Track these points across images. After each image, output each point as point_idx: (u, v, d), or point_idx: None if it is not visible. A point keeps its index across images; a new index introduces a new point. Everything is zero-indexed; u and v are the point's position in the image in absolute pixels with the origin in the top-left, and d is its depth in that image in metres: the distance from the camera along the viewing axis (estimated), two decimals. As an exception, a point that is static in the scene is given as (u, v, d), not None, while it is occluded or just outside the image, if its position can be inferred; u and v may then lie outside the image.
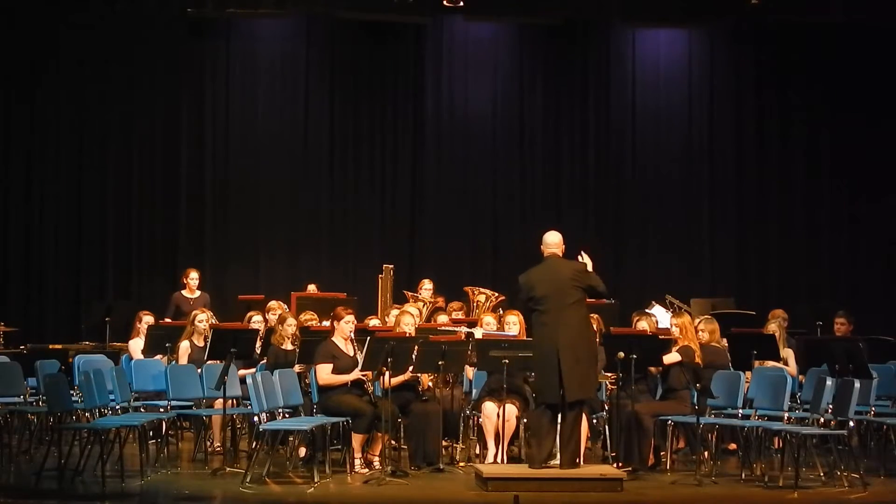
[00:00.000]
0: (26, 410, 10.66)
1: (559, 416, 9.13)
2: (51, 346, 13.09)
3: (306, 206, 16.22)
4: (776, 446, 10.53)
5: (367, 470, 9.69)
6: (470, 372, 10.50)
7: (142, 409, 10.57)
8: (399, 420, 9.95)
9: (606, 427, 10.12)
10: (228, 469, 9.70)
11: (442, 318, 12.30)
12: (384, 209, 16.40)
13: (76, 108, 15.75)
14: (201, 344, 10.86)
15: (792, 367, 11.01)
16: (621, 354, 9.64)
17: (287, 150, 16.22)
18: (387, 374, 9.50)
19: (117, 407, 10.12)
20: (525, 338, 10.14)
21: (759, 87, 16.69)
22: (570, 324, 9.09)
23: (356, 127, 16.42)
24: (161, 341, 11.27)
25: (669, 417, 9.91)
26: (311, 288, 14.05)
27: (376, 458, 9.81)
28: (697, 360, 10.04)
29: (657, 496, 9.16)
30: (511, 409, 9.90)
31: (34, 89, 15.65)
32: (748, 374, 10.37)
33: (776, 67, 16.57)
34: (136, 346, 11.66)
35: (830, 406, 9.61)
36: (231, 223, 16.11)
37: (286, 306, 12.41)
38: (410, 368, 9.80)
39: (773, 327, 11.44)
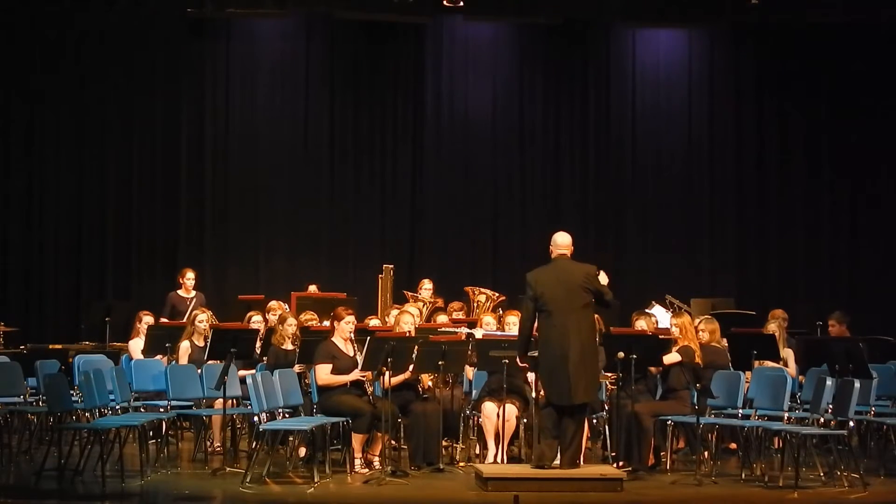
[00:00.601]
0: (26, 410, 10.66)
1: (563, 417, 9.13)
2: (51, 346, 13.08)
3: (306, 206, 16.21)
4: (776, 446, 10.53)
5: (367, 470, 9.69)
6: (470, 372, 10.50)
7: (142, 409, 10.57)
8: (399, 420, 9.95)
9: (606, 427, 10.12)
10: (228, 469, 9.71)
11: (442, 318, 12.30)
12: (384, 209, 16.40)
13: (76, 107, 15.75)
14: (201, 344, 10.86)
15: (791, 368, 11.01)
16: (621, 354, 9.64)
17: (287, 150, 16.23)
18: (387, 374, 9.50)
19: (117, 407, 10.12)
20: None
21: (759, 86, 16.68)
22: (580, 328, 9.09)
23: (356, 127, 16.42)
24: (161, 341, 11.27)
25: (669, 417, 9.91)
26: (312, 288, 14.04)
27: (376, 458, 9.81)
28: (697, 360, 10.04)
29: (657, 496, 9.16)
30: (511, 409, 9.90)
31: (34, 89, 15.64)
32: (748, 374, 10.37)
33: (776, 67, 16.57)
34: (136, 346, 11.66)
35: (830, 406, 9.61)
36: (231, 223, 16.11)
37: (286, 306, 12.41)
38: (410, 368, 9.80)
39: (772, 327, 11.43)
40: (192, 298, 13.30)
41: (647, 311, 11.76)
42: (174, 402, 10.40)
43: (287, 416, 9.85)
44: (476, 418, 10.19)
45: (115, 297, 15.26)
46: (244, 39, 16.18)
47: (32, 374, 10.65)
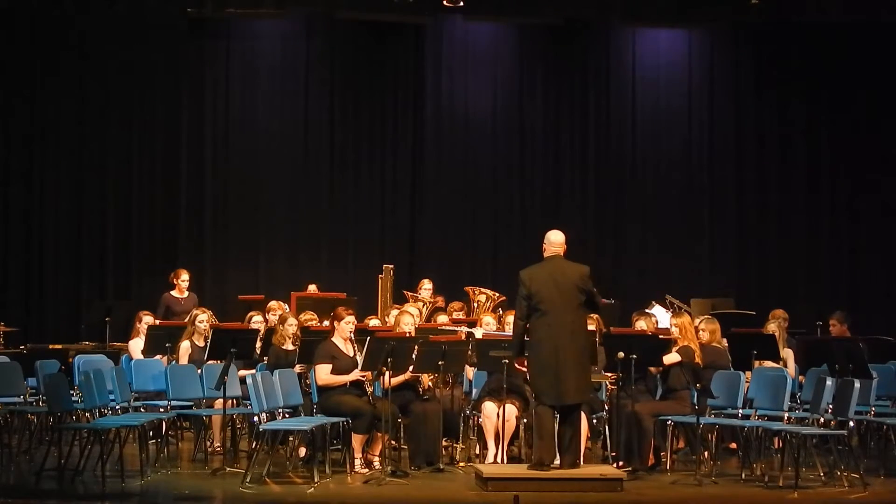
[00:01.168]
0: (26, 410, 10.65)
1: (559, 417, 9.13)
2: (51, 346, 13.07)
3: (306, 206, 16.21)
4: (776, 446, 10.53)
5: (367, 470, 9.69)
6: (470, 372, 10.50)
7: (142, 409, 10.57)
8: (399, 420, 9.95)
9: (606, 427, 10.12)
10: (228, 469, 9.71)
11: (442, 318, 12.31)
12: (384, 209, 16.39)
13: (76, 107, 15.74)
14: (202, 344, 10.86)
15: (791, 368, 11.02)
16: (621, 354, 9.64)
17: (287, 150, 16.22)
18: (387, 374, 9.50)
19: (117, 407, 10.12)
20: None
21: (759, 86, 16.68)
22: (574, 328, 9.08)
23: (356, 127, 16.42)
24: (161, 341, 11.27)
25: (669, 417, 9.91)
26: (312, 288, 14.05)
27: (376, 458, 9.81)
28: (697, 360, 10.04)
29: (657, 496, 9.16)
30: (511, 409, 9.89)
31: (35, 89, 15.65)
32: (748, 374, 10.37)
33: (776, 67, 16.57)
34: (136, 346, 11.66)
35: (830, 406, 9.61)
36: (231, 223, 16.11)
37: (286, 306, 12.41)
38: (410, 368, 9.80)
39: (772, 327, 11.44)
40: (186, 299, 13.29)
41: (647, 311, 11.76)
42: (174, 402, 10.40)
43: (287, 416, 9.85)
44: (476, 418, 10.19)
45: (115, 297, 15.26)
46: (244, 39, 16.18)
47: (32, 374, 10.65)
